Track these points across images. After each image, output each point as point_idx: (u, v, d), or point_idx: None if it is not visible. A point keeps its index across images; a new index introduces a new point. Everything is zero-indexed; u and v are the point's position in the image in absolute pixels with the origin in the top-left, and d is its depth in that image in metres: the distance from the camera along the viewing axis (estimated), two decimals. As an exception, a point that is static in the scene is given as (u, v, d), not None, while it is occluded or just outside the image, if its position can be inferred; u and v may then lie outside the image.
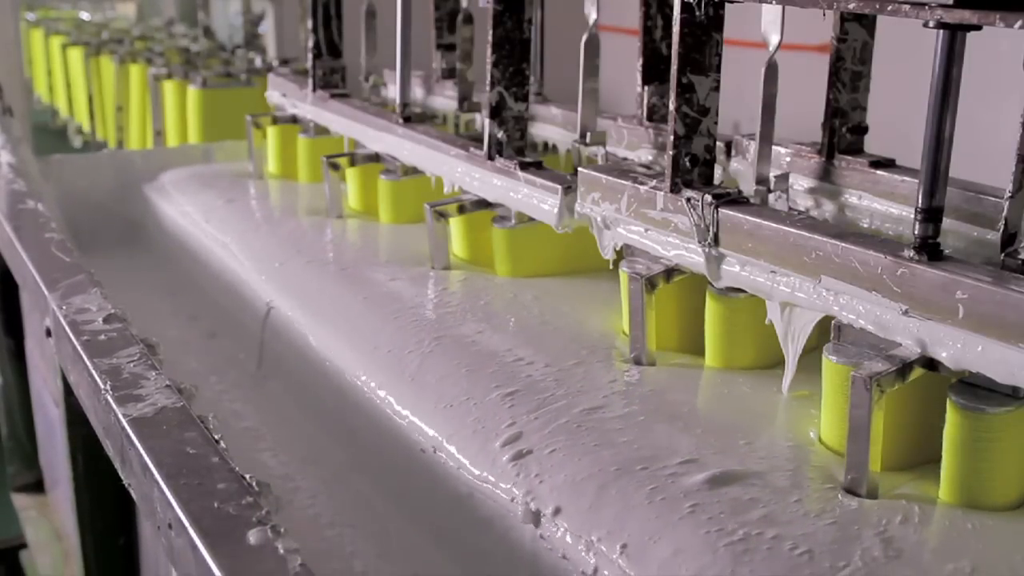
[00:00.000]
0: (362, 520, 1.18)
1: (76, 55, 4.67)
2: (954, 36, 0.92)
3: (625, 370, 1.18)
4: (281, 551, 0.76)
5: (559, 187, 1.35)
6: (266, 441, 1.37)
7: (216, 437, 0.94)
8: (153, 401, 1.01)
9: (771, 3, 1.14)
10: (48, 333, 1.33)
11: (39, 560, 1.98)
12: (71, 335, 1.18)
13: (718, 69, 1.16)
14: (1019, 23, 0.85)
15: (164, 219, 2.04)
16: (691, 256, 1.16)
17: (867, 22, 1.26)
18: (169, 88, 3.35)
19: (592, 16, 1.50)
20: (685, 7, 1.13)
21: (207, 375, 1.55)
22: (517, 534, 0.97)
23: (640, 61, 1.51)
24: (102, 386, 1.05)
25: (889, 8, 0.95)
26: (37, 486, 2.16)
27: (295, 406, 1.43)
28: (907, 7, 0.93)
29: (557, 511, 0.94)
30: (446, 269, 1.53)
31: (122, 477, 1.01)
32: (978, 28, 0.90)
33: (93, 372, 1.09)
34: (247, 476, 0.87)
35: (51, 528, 2.03)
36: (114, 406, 1.01)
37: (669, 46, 1.31)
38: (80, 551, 1.48)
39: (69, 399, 1.38)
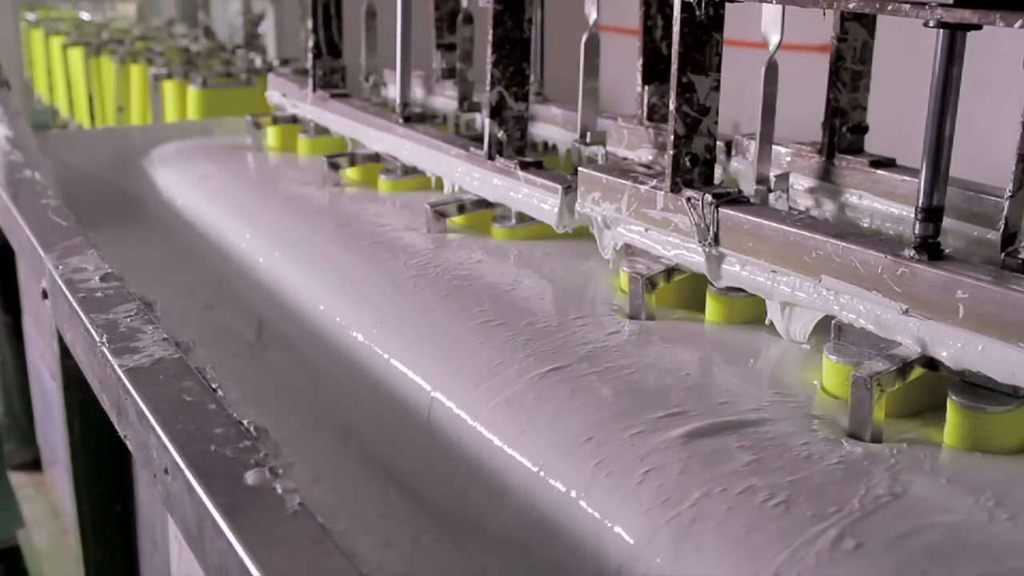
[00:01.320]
0: (360, 482, 1.16)
1: (76, 55, 4.67)
2: (954, 36, 0.92)
3: (623, 324, 1.17)
4: (280, 491, 0.75)
5: (559, 187, 1.35)
6: (265, 406, 1.35)
7: (214, 386, 0.92)
8: (150, 353, 0.99)
9: (771, 3, 1.14)
10: (44, 295, 1.31)
11: (36, 537, 1.98)
12: (67, 293, 1.16)
13: (718, 69, 1.16)
14: (1019, 23, 0.85)
15: (161, 192, 2.02)
16: (691, 256, 1.16)
17: (867, 21, 1.26)
18: (169, 88, 3.35)
19: (592, 16, 1.50)
20: (685, 7, 1.13)
21: (206, 345, 1.52)
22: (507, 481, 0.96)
23: (640, 61, 1.51)
24: (98, 339, 1.03)
25: (889, 8, 0.95)
26: (34, 465, 2.16)
27: (293, 370, 1.41)
28: (907, 7, 0.93)
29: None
30: (443, 232, 1.52)
31: (118, 430, 0.99)
32: (978, 28, 0.90)
33: (89, 327, 1.07)
34: (245, 421, 0.85)
35: (48, 505, 2.03)
36: (110, 358, 0.99)
37: (669, 46, 1.31)
38: (77, 520, 1.47)
39: (66, 363, 1.37)
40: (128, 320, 1.08)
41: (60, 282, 1.20)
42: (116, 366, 0.98)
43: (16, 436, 2.20)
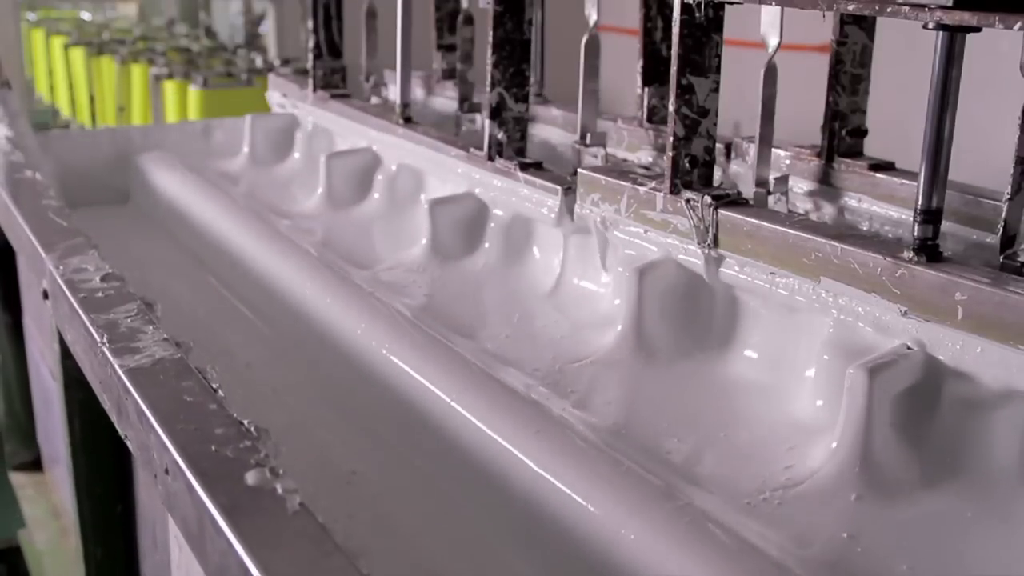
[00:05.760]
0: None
1: (78, 55, 4.67)
2: (953, 37, 0.92)
3: None
4: (280, 491, 0.75)
5: (559, 188, 1.35)
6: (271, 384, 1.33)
7: (214, 386, 0.92)
8: (151, 353, 0.99)
9: (771, 4, 1.14)
10: (45, 295, 1.31)
11: (37, 537, 1.98)
12: (68, 293, 1.16)
13: (718, 70, 1.16)
14: (1018, 24, 0.85)
15: (161, 191, 1.98)
16: (690, 257, 1.16)
17: (867, 24, 1.26)
18: (170, 88, 3.35)
19: (592, 17, 1.50)
20: (685, 8, 1.13)
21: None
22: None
23: (640, 62, 1.51)
24: (99, 339, 1.03)
25: (888, 10, 0.95)
26: (35, 465, 2.16)
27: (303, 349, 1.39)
28: (906, 9, 0.93)
29: None
30: None
31: (119, 429, 0.99)
32: (977, 30, 0.90)
33: (90, 327, 1.07)
34: (245, 422, 0.86)
35: (49, 505, 2.03)
36: (111, 358, 0.99)
37: (669, 47, 1.31)
38: (77, 519, 1.46)
39: (66, 363, 1.36)
40: (128, 320, 1.08)
41: (61, 282, 1.20)
42: (116, 366, 0.98)
43: (17, 436, 2.19)
